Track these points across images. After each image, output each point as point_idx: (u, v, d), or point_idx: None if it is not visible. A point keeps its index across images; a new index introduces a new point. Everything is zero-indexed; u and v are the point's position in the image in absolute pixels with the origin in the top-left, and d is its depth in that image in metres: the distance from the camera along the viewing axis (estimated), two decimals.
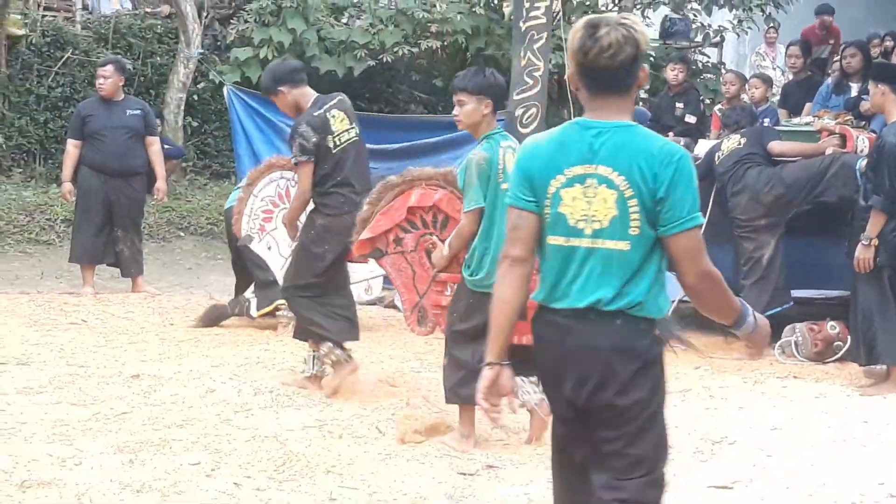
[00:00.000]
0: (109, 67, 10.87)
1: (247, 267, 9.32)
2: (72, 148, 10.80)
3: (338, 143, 7.41)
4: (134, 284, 10.79)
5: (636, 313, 3.62)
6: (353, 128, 7.54)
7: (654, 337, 3.67)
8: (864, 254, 7.94)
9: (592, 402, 3.65)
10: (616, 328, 3.63)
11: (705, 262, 3.66)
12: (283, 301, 9.45)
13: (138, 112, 10.95)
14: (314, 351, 7.48)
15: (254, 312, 9.38)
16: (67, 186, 10.81)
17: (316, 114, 7.39)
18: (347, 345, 7.51)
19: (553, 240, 3.69)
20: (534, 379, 6.34)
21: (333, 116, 7.44)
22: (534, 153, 3.74)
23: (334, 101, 7.56)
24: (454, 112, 6.32)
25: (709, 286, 3.67)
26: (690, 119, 11.33)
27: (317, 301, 7.46)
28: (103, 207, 10.63)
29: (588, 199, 3.63)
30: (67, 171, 10.81)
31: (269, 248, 7.63)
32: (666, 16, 16.10)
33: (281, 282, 7.74)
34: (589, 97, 3.69)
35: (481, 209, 6.12)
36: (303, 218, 7.51)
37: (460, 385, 6.27)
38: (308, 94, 7.56)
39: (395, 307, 10.79)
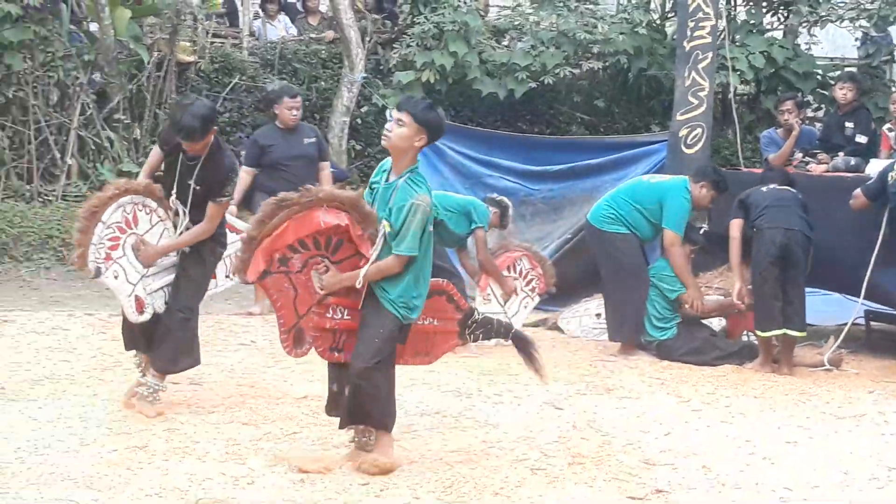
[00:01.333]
0: (299, 99, 11.07)
1: None
2: (246, 175, 10.93)
3: None
4: None
5: None
6: None
7: None
8: None
9: None
10: None
11: None
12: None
13: (314, 140, 11.14)
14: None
15: None
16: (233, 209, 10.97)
17: (230, 152, 7.55)
18: None
19: None
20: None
21: None
22: None
23: None
24: (386, 127, 6.18)
25: None
26: (861, 139, 11.07)
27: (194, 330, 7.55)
28: None
29: None
30: (237, 196, 10.95)
31: (116, 277, 7.33)
32: (865, 33, 15.76)
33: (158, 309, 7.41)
34: None
35: (414, 257, 6.09)
36: None
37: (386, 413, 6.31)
38: None
39: (558, 328, 10.78)
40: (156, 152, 7.45)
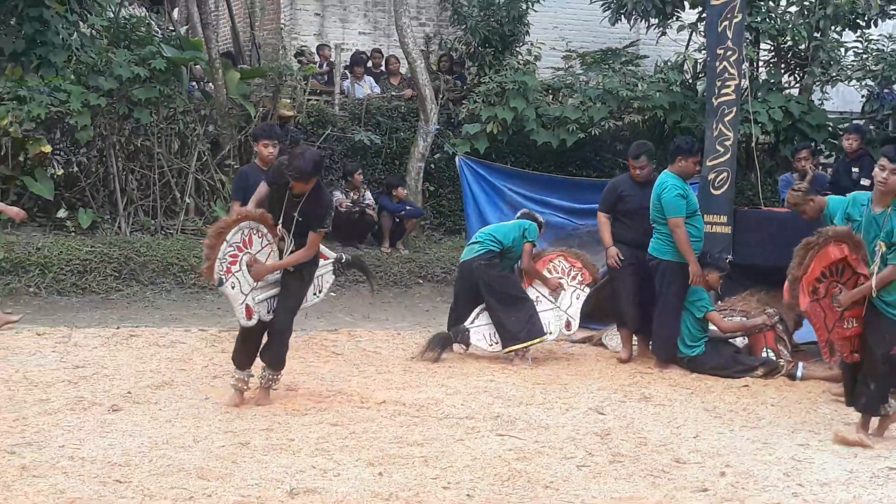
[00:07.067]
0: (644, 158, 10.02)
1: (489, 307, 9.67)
2: (605, 219, 10.21)
3: None
4: None
5: None
6: None
7: None
8: None
9: None
10: None
11: None
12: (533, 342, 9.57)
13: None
14: None
15: (474, 341, 9.60)
16: (613, 251, 10.06)
17: (328, 192, 7.94)
18: None
19: None
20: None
21: None
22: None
23: None
24: (881, 176, 6.92)
25: None
26: (865, 182, 10.97)
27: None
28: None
29: None
30: (608, 238, 10.14)
31: (233, 287, 7.35)
32: (871, 91, 15.62)
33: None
34: None
35: None
36: None
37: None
38: None
39: (602, 345, 10.71)
40: (263, 188, 7.60)
